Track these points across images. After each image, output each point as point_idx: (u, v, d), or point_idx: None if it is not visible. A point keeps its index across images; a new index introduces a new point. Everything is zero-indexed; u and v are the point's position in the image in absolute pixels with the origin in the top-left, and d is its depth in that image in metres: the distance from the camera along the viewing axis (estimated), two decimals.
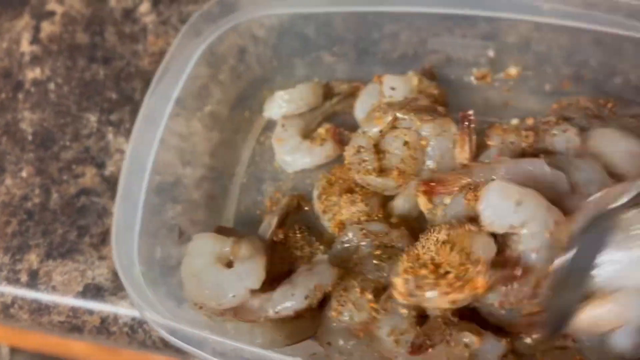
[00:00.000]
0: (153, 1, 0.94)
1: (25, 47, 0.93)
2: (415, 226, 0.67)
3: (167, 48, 0.89)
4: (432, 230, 0.57)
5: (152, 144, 0.70)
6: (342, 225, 0.68)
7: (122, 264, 0.65)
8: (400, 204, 0.68)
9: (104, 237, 0.79)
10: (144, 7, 0.94)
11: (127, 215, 0.67)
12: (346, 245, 0.65)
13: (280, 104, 0.79)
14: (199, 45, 0.77)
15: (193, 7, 0.92)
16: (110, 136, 0.85)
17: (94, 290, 0.77)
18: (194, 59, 0.75)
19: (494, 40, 0.77)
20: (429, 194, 0.61)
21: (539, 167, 0.58)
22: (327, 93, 0.81)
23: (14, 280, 0.78)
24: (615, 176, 0.61)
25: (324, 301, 0.62)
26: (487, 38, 0.77)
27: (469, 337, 0.55)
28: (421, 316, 0.58)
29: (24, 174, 0.84)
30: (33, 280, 0.78)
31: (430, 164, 0.66)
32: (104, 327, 0.76)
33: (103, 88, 0.88)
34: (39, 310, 0.78)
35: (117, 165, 0.83)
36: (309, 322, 0.63)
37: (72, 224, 0.81)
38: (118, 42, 0.92)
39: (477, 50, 0.78)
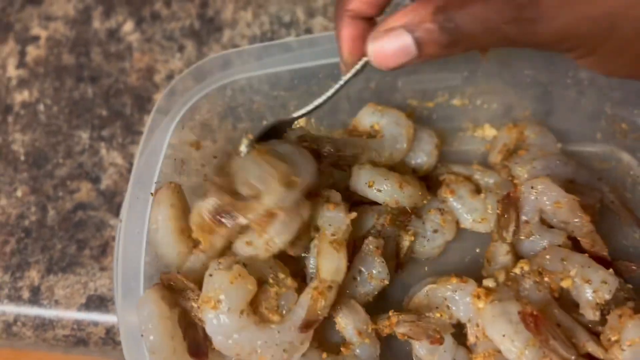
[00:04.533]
0: (136, 20, 0.97)
1: (12, 71, 0.95)
2: None
3: (153, 64, 0.92)
4: None
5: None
6: None
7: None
8: None
9: (103, 249, 0.80)
10: (128, 26, 0.96)
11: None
12: None
13: None
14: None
15: (176, 24, 0.95)
16: (103, 151, 0.87)
17: (97, 301, 0.78)
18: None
19: None
20: None
21: None
22: None
23: (15, 298, 0.79)
24: None
25: None
26: None
27: None
28: None
29: (18, 193, 0.85)
30: (35, 296, 0.79)
31: None
32: (110, 338, 0.77)
33: (92, 105, 0.90)
34: (43, 325, 0.78)
35: (112, 179, 0.85)
36: None
37: (70, 238, 0.82)
38: (104, 61, 0.94)
39: None
